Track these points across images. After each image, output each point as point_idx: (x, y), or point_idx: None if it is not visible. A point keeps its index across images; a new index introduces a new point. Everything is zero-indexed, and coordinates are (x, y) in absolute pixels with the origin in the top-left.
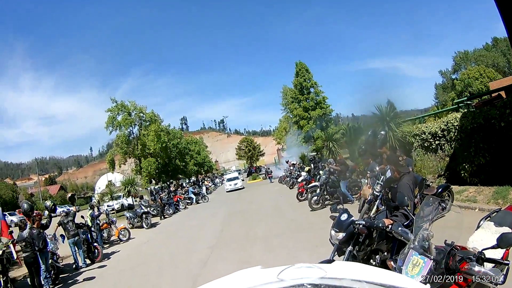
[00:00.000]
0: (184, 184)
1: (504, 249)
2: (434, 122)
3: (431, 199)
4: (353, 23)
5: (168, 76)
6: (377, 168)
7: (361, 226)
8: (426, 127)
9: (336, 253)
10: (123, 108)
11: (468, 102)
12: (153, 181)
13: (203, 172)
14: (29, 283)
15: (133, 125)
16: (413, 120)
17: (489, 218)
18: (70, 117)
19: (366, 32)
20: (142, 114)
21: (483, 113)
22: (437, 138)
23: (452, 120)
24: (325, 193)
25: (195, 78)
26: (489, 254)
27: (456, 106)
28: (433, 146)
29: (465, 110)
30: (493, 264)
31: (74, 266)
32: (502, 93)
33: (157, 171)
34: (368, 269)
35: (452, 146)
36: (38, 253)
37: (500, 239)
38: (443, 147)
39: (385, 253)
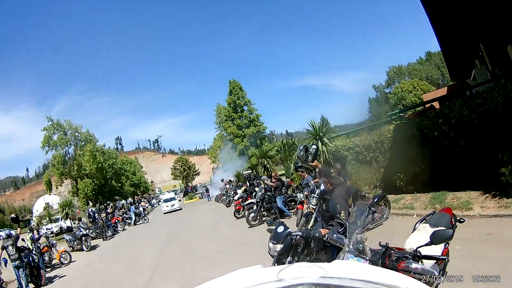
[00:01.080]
0: (122, 205)
1: (443, 246)
2: (368, 135)
3: (361, 205)
4: (288, 42)
5: (103, 96)
6: (312, 182)
7: (298, 237)
8: (360, 140)
9: (276, 264)
10: (58, 127)
11: (400, 114)
12: (90, 203)
13: (139, 193)
14: None
15: (69, 144)
16: (346, 134)
17: (424, 220)
18: (6, 136)
19: (300, 50)
20: (77, 134)
21: (416, 124)
22: (371, 150)
23: (386, 132)
24: (262, 209)
25: (130, 97)
26: (426, 251)
27: (389, 118)
28: (368, 159)
29: (398, 122)
30: (434, 261)
31: None
32: (436, 104)
33: (93, 192)
34: (368, 269)
35: (387, 157)
36: None
37: (433, 236)
38: (377, 158)
39: (325, 262)
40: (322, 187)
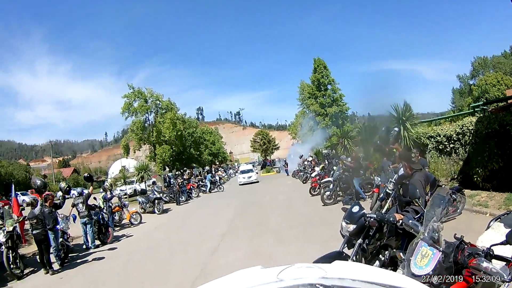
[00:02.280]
0: (199, 172)
1: None
2: (450, 125)
3: (442, 190)
4: (374, 23)
5: (186, 67)
6: (390, 166)
7: (372, 219)
8: (442, 129)
9: (346, 245)
10: (139, 94)
11: (484, 107)
12: (167, 168)
13: (217, 162)
14: (38, 260)
15: (149, 112)
16: (428, 122)
17: (499, 219)
18: (86, 102)
19: (386, 33)
20: (158, 102)
21: (498, 119)
22: (452, 141)
23: (468, 124)
24: (338, 188)
25: (213, 69)
26: (498, 251)
27: (472, 110)
28: (448, 149)
29: (481, 115)
30: (504, 263)
31: (84, 246)
32: None
33: (171, 158)
34: (368, 269)
35: (467, 150)
36: (48, 231)
37: (510, 235)
38: (457, 150)
39: (394, 250)
40: (401, 171)
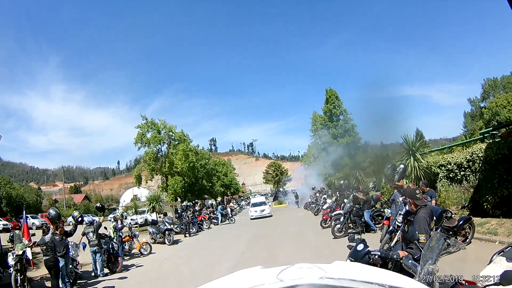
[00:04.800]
0: (211, 204)
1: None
2: (460, 152)
3: (439, 235)
4: (382, 50)
5: (199, 98)
6: (400, 199)
7: (376, 256)
8: (452, 157)
9: None
10: (153, 125)
11: (493, 132)
12: (179, 199)
13: (229, 194)
14: (46, 285)
15: (162, 143)
16: (439, 150)
17: (502, 253)
18: (99, 130)
19: (394, 58)
20: (171, 133)
21: (507, 144)
22: (463, 168)
23: (477, 150)
24: (348, 221)
25: (226, 101)
26: None
27: (482, 136)
28: (458, 177)
29: (490, 141)
30: None
31: (92, 274)
32: None
33: (183, 189)
34: (367, 269)
35: (477, 177)
36: (59, 258)
37: (503, 276)
38: (468, 178)
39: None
40: (405, 209)
